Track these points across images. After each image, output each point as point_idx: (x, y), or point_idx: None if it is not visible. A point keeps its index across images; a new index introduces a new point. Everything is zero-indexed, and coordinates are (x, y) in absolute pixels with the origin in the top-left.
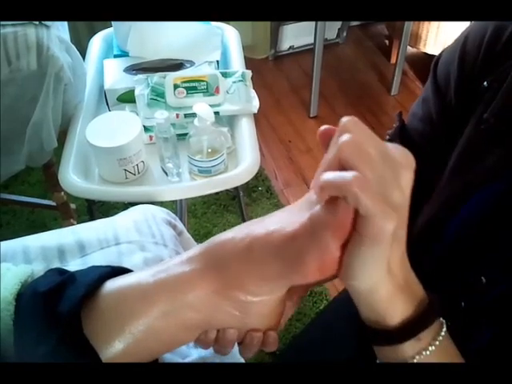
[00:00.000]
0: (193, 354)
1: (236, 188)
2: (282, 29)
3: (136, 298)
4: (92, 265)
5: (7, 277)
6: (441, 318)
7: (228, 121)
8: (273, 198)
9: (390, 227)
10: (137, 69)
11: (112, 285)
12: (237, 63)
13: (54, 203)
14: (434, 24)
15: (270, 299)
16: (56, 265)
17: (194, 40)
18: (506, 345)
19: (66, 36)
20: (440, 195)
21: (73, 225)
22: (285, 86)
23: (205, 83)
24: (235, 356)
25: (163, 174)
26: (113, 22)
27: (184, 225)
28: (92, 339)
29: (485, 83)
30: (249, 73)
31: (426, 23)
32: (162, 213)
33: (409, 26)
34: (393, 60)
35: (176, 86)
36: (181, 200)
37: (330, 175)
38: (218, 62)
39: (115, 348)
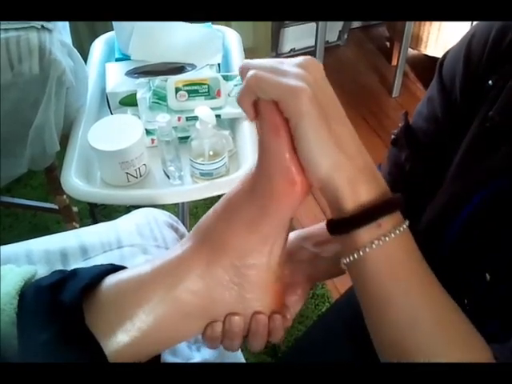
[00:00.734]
0: (195, 356)
1: None
2: (283, 31)
3: (134, 287)
4: None
5: (10, 275)
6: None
7: (229, 124)
8: None
9: (303, 95)
10: (139, 72)
11: (112, 279)
12: (238, 66)
13: (56, 206)
14: (435, 26)
15: (262, 264)
16: (59, 268)
17: (195, 43)
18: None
19: (68, 40)
20: (444, 194)
21: (75, 228)
22: None
23: (206, 86)
24: (238, 358)
25: (165, 177)
26: (114, 26)
27: (186, 228)
28: (94, 330)
29: (490, 82)
30: None
31: (427, 25)
32: (164, 216)
33: (410, 27)
34: (394, 62)
35: (177, 90)
36: (183, 203)
37: (239, 94)
38: (219, 65)
39: (117, 338)
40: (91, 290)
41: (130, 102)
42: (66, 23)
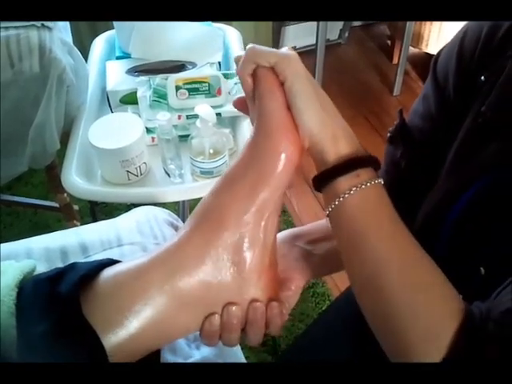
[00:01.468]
0: (195, 354)
1: None
2: (284, 30)
3: (131, 277)
4: None
5: (10, 269)
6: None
7: (230, 122)
8: None
9: (294, 60)
10: (139, 70)
11: (110, 271)
12: None
13: (57, 205)
14: (436, 24)
15: (258, 240)
16: (58, 266)
17: (195, 41)
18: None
19: (69, 38)
20: (438, 191)
21: (76, 226)
22: None
23: (207, 84)
24: (238, 356)
25: (165, 176)
26: (115, 24)
27: None
28: (92, 321)
29: (482, 78)
30: None
31: (428, 23)
32: (164, 214)
33: (410, 26)
34: (395, 60)
35: (178, 88)
36: (183, 201)
37: (238, 66)
38: (219, 63)
39: (114, 329)
40: (89, 282)
41: (130, 100)
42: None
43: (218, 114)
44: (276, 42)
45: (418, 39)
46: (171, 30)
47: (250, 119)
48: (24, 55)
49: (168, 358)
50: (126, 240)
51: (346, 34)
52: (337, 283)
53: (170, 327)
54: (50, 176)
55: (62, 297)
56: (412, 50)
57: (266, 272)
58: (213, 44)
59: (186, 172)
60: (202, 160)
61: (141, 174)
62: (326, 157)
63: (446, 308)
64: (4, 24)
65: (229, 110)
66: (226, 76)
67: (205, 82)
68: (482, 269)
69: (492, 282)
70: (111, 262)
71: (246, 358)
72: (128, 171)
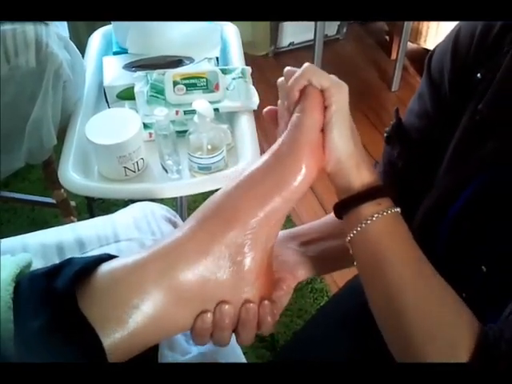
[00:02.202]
0: (193, 350)
1: None
2: (282, 25)
3: (129, 271)
4: None
5: (6, 263)
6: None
7: (228, 117)
8: None
9: (344, 90)
10: (136, 66)
11: (107, 265)
12: (236, 60)
13: (54, 201)
14: None
15: (261, 243)
16: (55, 262)
17: (193, 37)
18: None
19: (65, 33)
20: (436, 190)
21: (73, 222)
22: None
23: (204, 80)
24: (236, 352)
25: (163, 171)
26: None
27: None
28: (88, 316)
29: (478, 75)
30: (248, 69)
31: None
32: (162, 210)
33: (409, 22)
34: (393, 56)
35: (175, 83)
36: (181, 197)
37: (291, 79)
38: (217, 58)
39: (111, 324)
40: (86, 277)
41: (127, 95)
42: None
43: (216, 110)
44: (274, 38)
45: (416, 35)
46: (168, 26)
47: (277, 131)
48: (20, 50)
49: (167, 354)
50: (123, 236)
51: (344, 30)
52: (335, 279)
53: (166, 322)
54: (46, 172)
55: (58, 292)
56: (410, 45)
57: (262, 274)
58: (210, 39)
59: (184, 168)
60: (199, 156)
61: (138, 170)
62: (351, 184)
63: (464, 329)
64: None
65: (227, 105)
66: (224, 71)
67: (202, 78)
68: (483, 267)
69: (494, 279)
70: (108, 257)
71: (244, 354)
72: (125, 167)
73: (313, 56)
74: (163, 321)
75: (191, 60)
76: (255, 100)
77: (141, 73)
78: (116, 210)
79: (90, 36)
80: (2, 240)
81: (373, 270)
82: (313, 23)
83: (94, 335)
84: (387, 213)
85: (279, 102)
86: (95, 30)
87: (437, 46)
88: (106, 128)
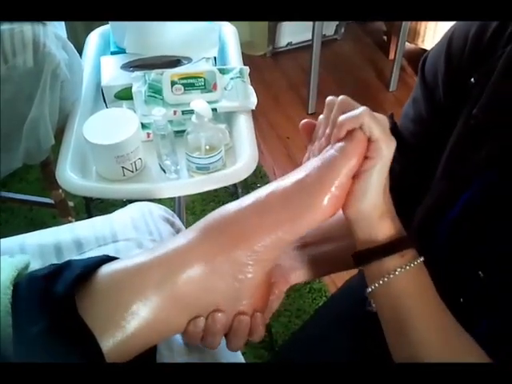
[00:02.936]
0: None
1: (234, 185)
2: (279, 25)
3: (131, 275)
4: None
5: (3, 265)
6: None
7: (226, 117)
8: None
9: (392, 148)
10: (134, 65)
11: (106, 268)
12: (234, 60)
13: (52, 201)
14: None
15: (264, 265)
16: (53, 262)
17: (191, 36)
18: (507, 336)
19: (63, 33)
20: (432, 195)
21: (71, 222)
22: (283, 83)
23: (202, 80)
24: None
25: (161, 171)
26: None
27: (182, 222)
28: (88, 320)
29: (472, 79)
30: (246, 69)
31: None
32: (160, 210)
33: (407, 22)
34: (391, 56)
35: (173, 83)
36: (179, 197)
37: (344, 116)
38: (215, 58)
39: (111, 328)
40: (85, 280)
41: (125, 95)
42: None
43: (214, 110)
44: (272, 38)
45: (414, 35)
46: (166, 25)
47: (308, 148)
48: (18, 50)
49: (164, 353)
50: (121, 236)
51: (343, 30)
52: (333, 279)
53: (162, 326)
54: (44, 172)
55: (57, 297)
56: (408, 45)
57: (259, 290)
58: (208, 39)
59: (182, 168)
60: (197, 156)
61: (136, 170)
62: (374, 235)
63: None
64: None
65: (225, 105)
66: (222, 71)
67: (200, 78)
68: (480, 273)
69: (491, 284)
70: (108, 259)
71: (243, 354)
72: (123, 167)
73: (311, 56)
74: (159, 324)
75: (189, 60)
76: (253, 100)
77: (139, 73)
78: (114, 211)
79: (87, 36)
80: (0, 240)
81: (395, 323)
82: (311, 23)
83: (93, 339)
84: (410, 266)
85: (321, 118)
86: (93, 29)
87: (430, 50)
88: (104, 128)
